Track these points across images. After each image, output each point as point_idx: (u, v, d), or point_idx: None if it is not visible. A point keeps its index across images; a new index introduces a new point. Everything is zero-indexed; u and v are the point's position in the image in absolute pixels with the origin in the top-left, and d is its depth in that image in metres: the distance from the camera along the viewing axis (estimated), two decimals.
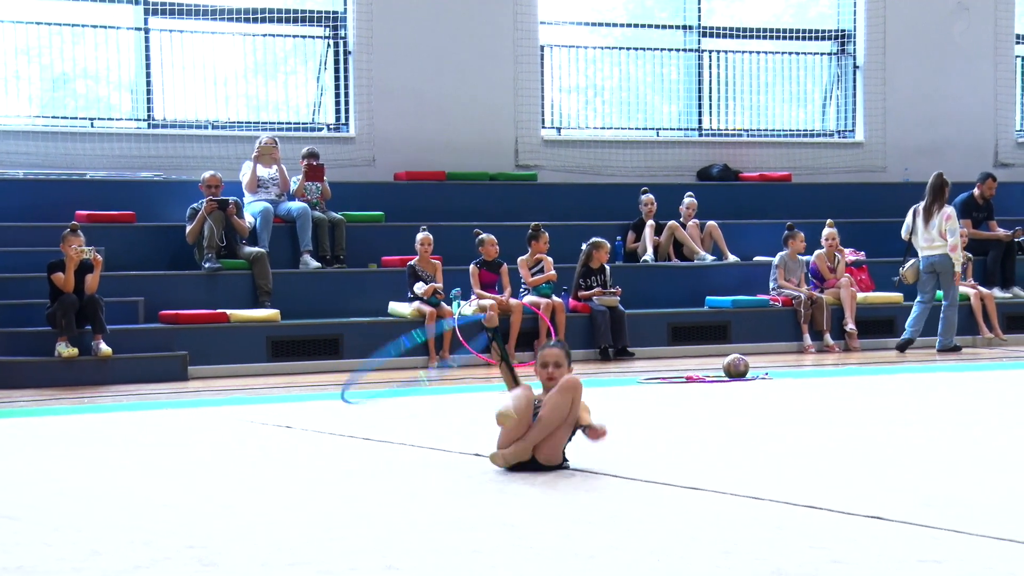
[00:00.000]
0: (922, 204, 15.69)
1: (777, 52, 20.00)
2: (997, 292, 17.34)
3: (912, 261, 15.87)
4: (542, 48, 18.68)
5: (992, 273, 17.70)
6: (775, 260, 16.56)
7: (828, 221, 16.84)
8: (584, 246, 15.57)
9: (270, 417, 9.72)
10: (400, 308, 15.01)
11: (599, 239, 15.58)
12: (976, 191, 18.15)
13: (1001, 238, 17.90)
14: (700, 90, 19.55)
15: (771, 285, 16.56)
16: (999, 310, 17.00)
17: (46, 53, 16.77)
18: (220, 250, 15.05)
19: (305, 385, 12.83)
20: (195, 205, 15.17)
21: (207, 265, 14.91)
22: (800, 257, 16.60)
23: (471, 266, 15.18)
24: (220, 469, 7.16)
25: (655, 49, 19.55)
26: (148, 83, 16.93)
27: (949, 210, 15.57)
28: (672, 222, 17.15)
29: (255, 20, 17.36)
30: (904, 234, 15.96)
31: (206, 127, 17.22)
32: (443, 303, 14.77)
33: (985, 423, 8.72)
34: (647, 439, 7.99)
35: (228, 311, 14.38)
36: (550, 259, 15.42)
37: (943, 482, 6.21)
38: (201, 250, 15.02)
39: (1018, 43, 20.87)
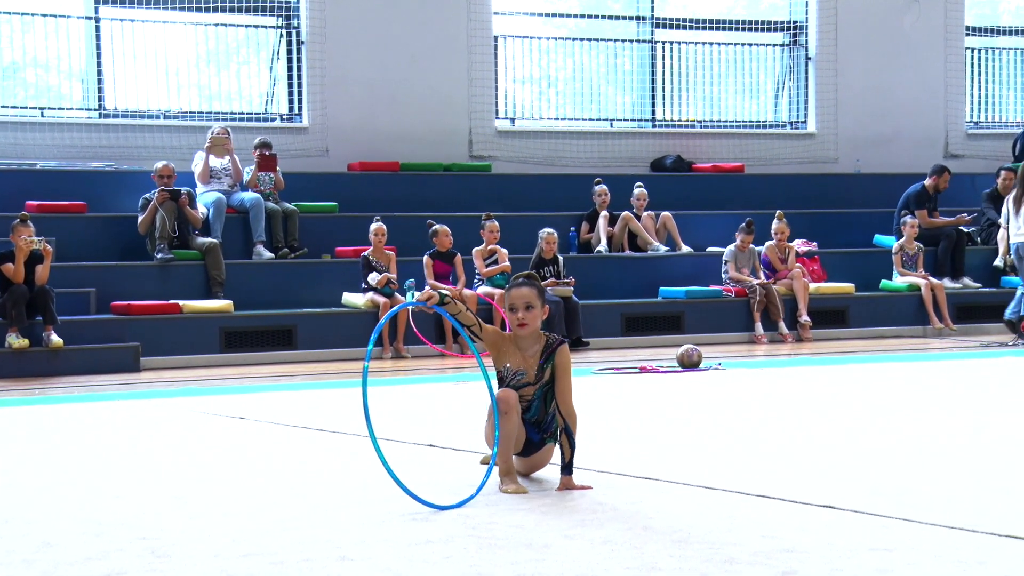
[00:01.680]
0: (1013, 194, 15.76)
1: (730, 43, 20.07)
2: (947, 283, 17.49)
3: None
4: (496, 39, 18.68)
5: (942, 264, 17.85)
6: (724, 254, 16.64)
7: (778, 213, 16.93)
8: (539, 238, 15.62)
9: (223, 408, 9.69)
10: (354, 299, 14.98)
11: (548, 229, 15.61)
12: (928, 182, 18.28)
13: (960, 222, 18.04)
14: (653, 81, 19.60)
15: (724, 278, 16.63)
16: (949, 300, 17.15)
17: None
18: (172, 241, 14.98)
19: (258, 376, 12.78)
20: (147, 195, 15.09)
21: (159, 256, 14.84)
22: (752, 247, 16.67)
23: (425, 257, 15.17)
24: (172, 460, 7.13)
25: (609, 40, 19.59)
26: (99, 72, 16.83)
27: None
28: (626, 213, 17.19)
29: (207, 9, 17.28)
30: (1003, 223, 16.13)
31: (158, 117, 17.13)
32: (397, 293, 14.76)
33: (935, 413, 8.79)
34: (600, 430, 8.00)
35: (181, 302, 14.32)
36: (504, 250, 15.43)
37: (893, 471, 6.26)
38: (153, 241, 14.95)
39: (968, 35, 21.03)
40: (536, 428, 6.03)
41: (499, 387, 6.05)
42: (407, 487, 5.44)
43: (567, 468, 5.88)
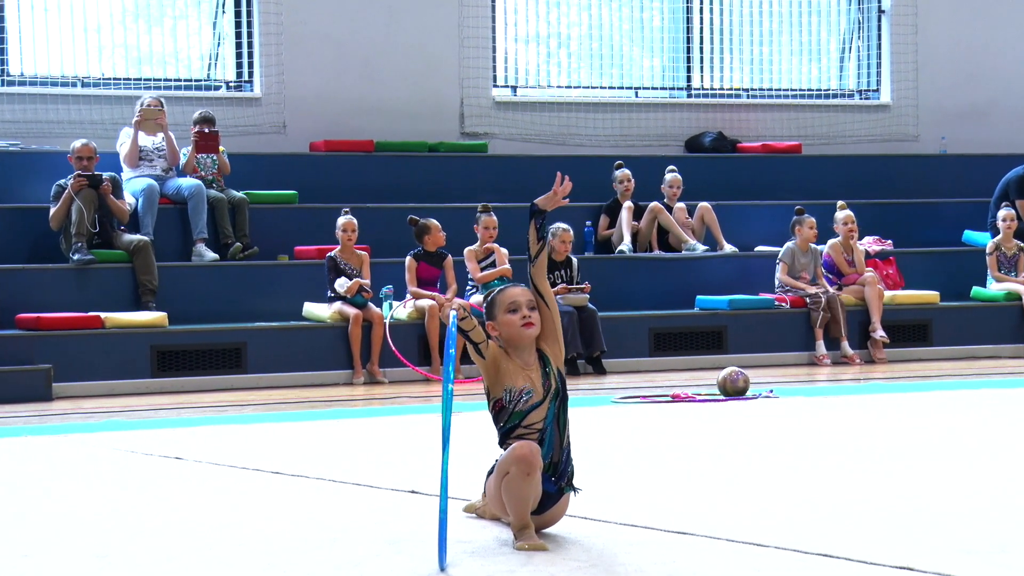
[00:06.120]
0: None
1: None
2: None
3: None
4: None
5: None
6: (780, 252, 16.61)
7: (840, 203, 16.91)
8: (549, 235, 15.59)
9: (155, 446, 9.68)
10: (317, 310, 14.98)
11: (561, 224, 15.61)
12: None
13: None
14: (689, 40, 19.60)
15: (776, 283, 16.61)
16: None
17: None
18: (92, 238, 14.97)
19: (199, 406, 12.78)
20: (61, 182, 15.09)
21: (76, 257, 14.84)
22: (814, 247, 16.64)
23: (407, 258, 15.16)
24: (93, 510, 7.13)
25: None
26: (1, 32, 16.83)
27: None
28: (655, 204, 17.19)
29: None
30: None
31: (74, 85, 17.13)
32: (371, 303, 14.76)
33: None
34: (624, 473, 8.02)
35: (103, 314, 14.31)
36: (504, 250, 15.42)
37: (986, 525, 6.26)
38: (69, 238, 14.95)
39: None
40: (552, 474, 6.11)
41: (500, 419, 6.11)
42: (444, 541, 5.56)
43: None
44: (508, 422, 6.12)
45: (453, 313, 5.96)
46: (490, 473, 6.20)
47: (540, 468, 5.98)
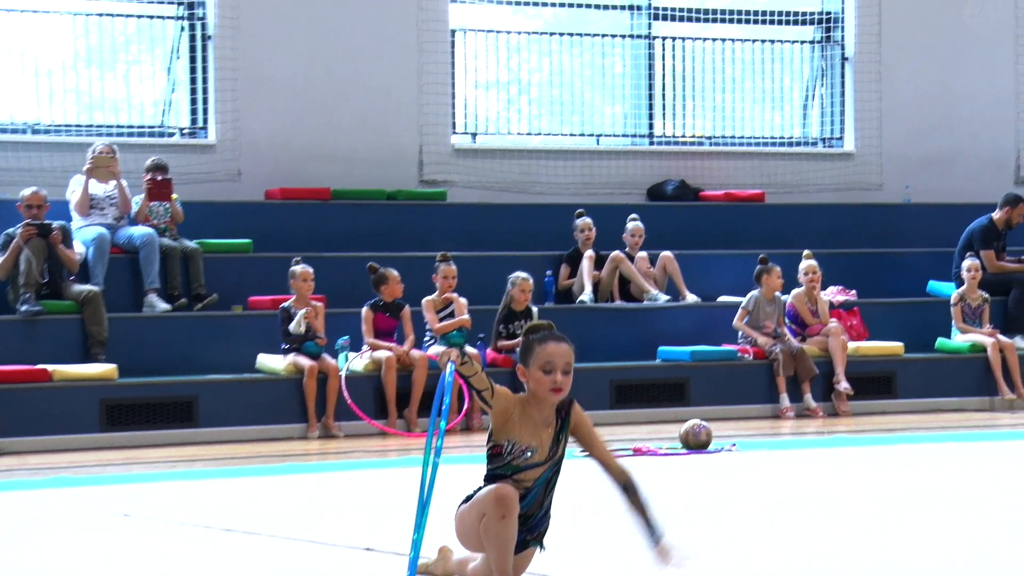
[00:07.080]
0: None
1: (747, 40, 20.16)
2: (1020, 342, 17.45)
3: None
4: (453, 33, 18.72)
5: (1014, 319, 17.81)
6: (744, 302, 16.57)
7: (805, 252, 16.94)
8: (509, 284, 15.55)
9: (104, 503, 9.63)
10: (272, 362, 14.92)
11: (521, 274, 15.58)
12: (997, 215, 18.25)
13: None
14: (651, 87, 19.64)
15: (739, 333, 16.62)
16: (1023, 364, 17.12)
17: None
18: (41, 288, 14.91)
19: (150, 461, 12.72)
20: (9, 231, 15.03)
21: (24, 308, 14.76)
22: (778, 295, 16.63)
23: (364, 309, 15.13)
24: (38, 571, 7.07)
25: (595, 35, 19.64)
26: None
27: None
28: (616, 253, 17.20)
29: None
30: None
31: (24, 132, 17.08)
32: (326, 355, 14.70)
33: (1006, 508, 8.77)
34: (586, 529, 7.99)
35: (51, 367, 14.23)
36: (463, 300, 15.40)
37: None
38: (16, 289, 14.88)
39: None
40: (523, 526, 6.07)
41: (493, 462, 6.05)
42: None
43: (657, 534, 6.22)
44: (500, 470, 6.08)
45: (452, 364, 5.88)
46: (465, 500, 6.13)
47: (516, 511, 5.95)
